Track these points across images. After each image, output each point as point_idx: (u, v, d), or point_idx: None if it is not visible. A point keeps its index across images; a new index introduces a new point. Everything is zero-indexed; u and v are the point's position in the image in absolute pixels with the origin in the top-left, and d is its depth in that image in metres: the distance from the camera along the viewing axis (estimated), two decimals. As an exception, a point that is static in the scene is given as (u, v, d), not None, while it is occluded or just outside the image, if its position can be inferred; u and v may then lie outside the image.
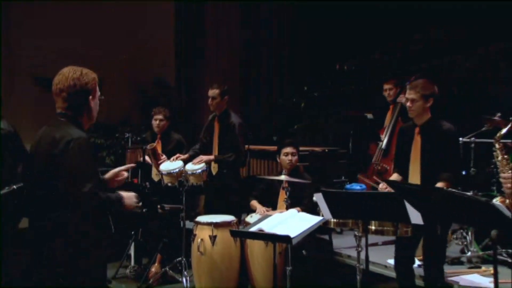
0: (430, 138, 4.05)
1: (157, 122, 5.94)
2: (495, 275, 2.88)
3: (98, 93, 2.99)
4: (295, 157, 5.11)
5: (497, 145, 3.15)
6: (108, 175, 3.11)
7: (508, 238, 3.80)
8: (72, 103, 2.85)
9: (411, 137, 4.14)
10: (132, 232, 5.75)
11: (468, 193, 4.30)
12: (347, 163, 6.77)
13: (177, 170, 5.44)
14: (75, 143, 2.72)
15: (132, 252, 5.80)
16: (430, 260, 4.03)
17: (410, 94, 4.06)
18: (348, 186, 4.44)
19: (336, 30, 8.27)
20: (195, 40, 8.78)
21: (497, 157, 3.14)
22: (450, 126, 4.06)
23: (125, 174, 3.14)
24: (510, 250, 4.82)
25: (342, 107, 8.02)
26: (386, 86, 6.39)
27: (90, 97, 2.90)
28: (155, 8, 8.34)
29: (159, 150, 5.78)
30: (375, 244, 5.29)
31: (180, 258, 5.28)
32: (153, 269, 5.55)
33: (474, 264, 4.93)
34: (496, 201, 3.01)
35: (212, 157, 5.62)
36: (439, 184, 3.87)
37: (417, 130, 4.11)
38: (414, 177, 4.06)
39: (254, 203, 5.28)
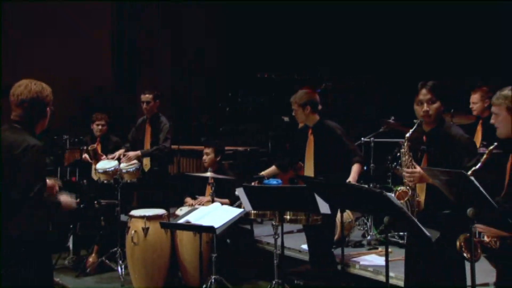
0: (320, 137, 4.18)
1: (99, 127, 5.86)
2: (386, 254, 2.98)
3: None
4: (209, 156, 5.05)
5: (405, 144, 3.18)
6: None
7: (399, 223, 3.94)
8: (32, 112, 2.89)
9: (306, 137, 4.25)
10: (71, 226, 5.55)
11: (366, 186, 4.46)
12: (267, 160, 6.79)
13: (112, 168, 5.33)
14: (33, 149, 2.76)
15: (70, 244, 5.58)
16: (328, 243, 4.16)
17: (293, 106, 4.22)
18: (266, 181, 4.45)
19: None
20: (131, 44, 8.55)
21: (404, 155, 3.18)
22: (334, 124, 4.21)
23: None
24: (401, 233, 4.96)
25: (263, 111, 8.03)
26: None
27: (47, 108, 2.95)
28: (91, 14, 8.04)
29: (99, 151, 5.66)
30: (291, 232, 5.35)
31: (116, 249, 5.14)
32: (90, 259, 5.36)
33: (373, 246, 5.06)
34: (397, 191, 3.16)
35: (138, 152, 5.52)
36: (355, 167, 4.01)
37: (310, 131, 4.24)
38: (309, 171, 4.18)
39: (188, 199, 5.24)
